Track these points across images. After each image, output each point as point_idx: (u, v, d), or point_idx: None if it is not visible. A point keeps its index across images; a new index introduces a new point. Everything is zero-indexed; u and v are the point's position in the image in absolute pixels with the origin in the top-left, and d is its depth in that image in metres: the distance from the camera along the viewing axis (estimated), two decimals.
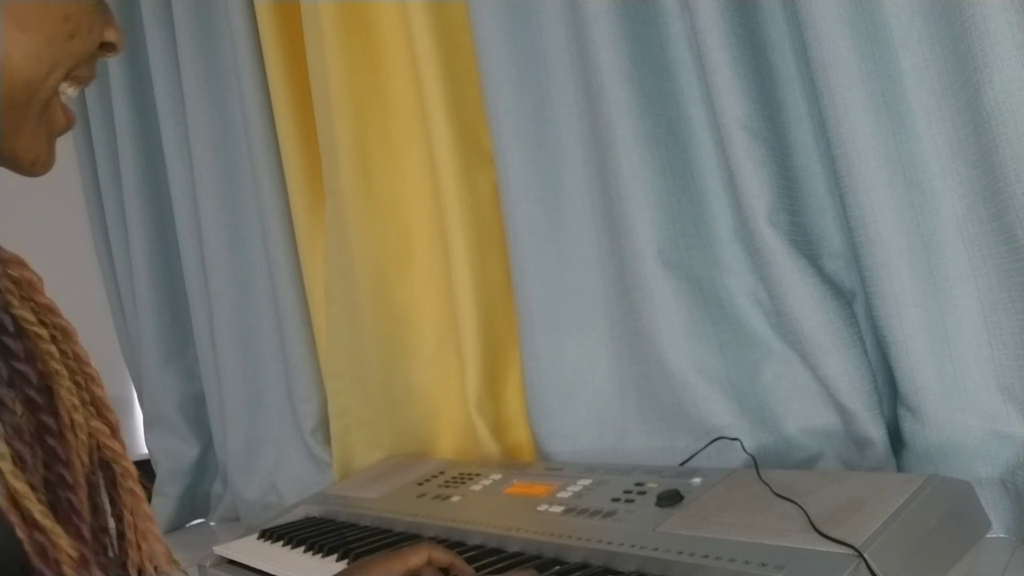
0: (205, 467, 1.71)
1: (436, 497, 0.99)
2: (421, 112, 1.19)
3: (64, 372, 0.43)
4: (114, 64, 1.71)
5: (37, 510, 0.38)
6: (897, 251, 0.76)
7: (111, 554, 0.44)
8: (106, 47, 0.50)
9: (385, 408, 1.31)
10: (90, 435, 0.44)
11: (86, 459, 0.43)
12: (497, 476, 0.99)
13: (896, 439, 0.80)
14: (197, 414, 1.72)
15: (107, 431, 0.45)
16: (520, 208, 1.08)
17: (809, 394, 0.87)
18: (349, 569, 0.64)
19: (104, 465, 0.45)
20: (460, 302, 1.16)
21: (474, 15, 1.09)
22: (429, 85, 1.15)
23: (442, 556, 0.64)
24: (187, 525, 1.67)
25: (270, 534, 1.06)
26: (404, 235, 1.30)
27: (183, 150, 1.59)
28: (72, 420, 0.42)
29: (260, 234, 1.49)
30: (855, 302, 0.87)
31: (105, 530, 0.44)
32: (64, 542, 0.39)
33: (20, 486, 0.38)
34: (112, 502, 0.46)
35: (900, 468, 0.79)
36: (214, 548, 1.05)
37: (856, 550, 0.54)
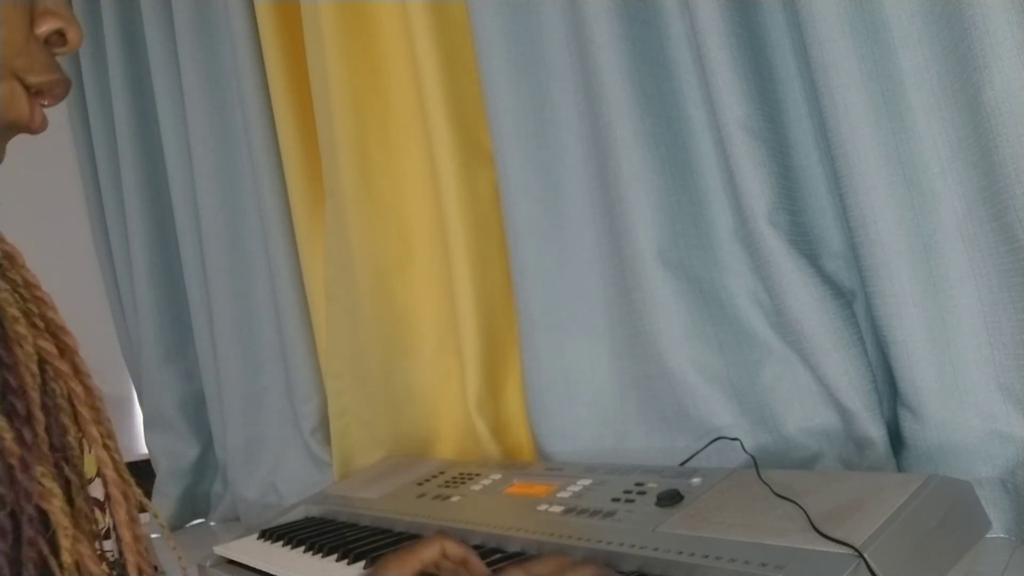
0: (205, 467, 1.71)
1: (436, 497, 0.99)
2: (421, 112, 1.19)
3: (2, 284, 0.42)
4: (114, 64, 1.71)
5: None
6: (897, 251, 0.76)
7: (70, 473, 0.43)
8: (54, 40, 0.46)
9: (385, 408, 1.31)
10: (38, 353, 0.42)
11: (35, 371, 0.42)
12: (497, 476, 0.99)
13: (896, 439, 0.80)
14: (197, 414, 1.72)
15: (54, 351, 0.43)
16: (520, 208, 1.08)
17: (809, 394, 0.87)
18: (369, 571, 0.62)
19: (59, 389, 0.44)
20: (460, 302, 1.16)
21: (474, 15, 1.09)
22: (429, 85, 1.15)
23: (455, 550, 0.61)
24: (187, 525, 1.67)
25: (270, 534, 1.06)
26: (404, 235, 1.30)
27: (183, 150, 1.59)
28: (16, 332, 0.41)
29: (260, 234, 1.49)
30: (855, 302, 0.87)
31: (62, 449, 0.43)
32: (7, 436, 0.38)
33: None
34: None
35: (900, 468, 0.79)
36: (214, 548, 1.05)
37: (856, 550, 0.54)
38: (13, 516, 0.38)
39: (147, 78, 1.67)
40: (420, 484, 1.07)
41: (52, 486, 0.40)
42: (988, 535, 0.66)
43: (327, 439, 1.37)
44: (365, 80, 1.28)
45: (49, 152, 1.90)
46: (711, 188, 0.96)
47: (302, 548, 0.95)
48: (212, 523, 1.66)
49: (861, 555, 0.53)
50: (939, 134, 0.74)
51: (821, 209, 0.90)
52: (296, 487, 1.41)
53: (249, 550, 1.02)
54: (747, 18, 0.88)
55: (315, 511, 1.16)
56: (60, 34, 0.47)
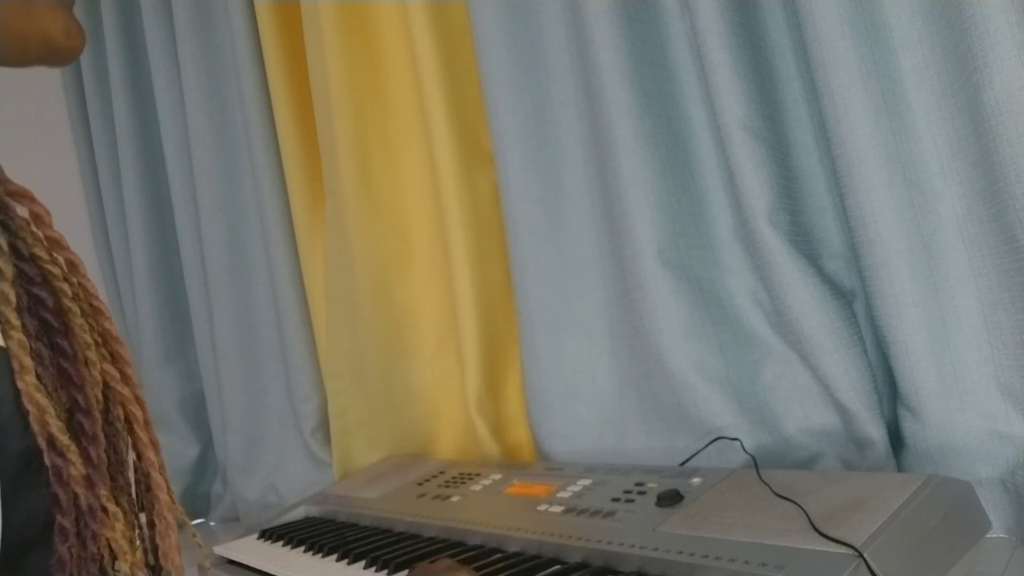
0: (205, 467, 1.71)
1: (436, 497, 0.99)
2: (421, 112, 1.19)
3: (76, 309, 0.42)
4: (114, 64, 1.71)
5: (55, 425, 0.38)
6: (897, 251, 0.76)
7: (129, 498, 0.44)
8: None
9: (385, 408, 1.31)
10: (103, 378, 0.43)
11: (100, 396, 0.42)
12: (497, 476, 0.99)
13: (896, 439, 0.80)
14: (197, 414, 1.72)
15: (117, 376, 0.44)
16: (520, 208, 1.08)
17: (809, 394, 0.87)
18: None
19: (119, 414, 0.44)
20: (460, 302, 1.16)
21: (474, 15, 1.09)
22: (429, 85, 1.15)
23: None
24: None
25: (270, 534, 1.06)
26: (404, 235, 1.30)
27: (183, 150, 1.59)
28: (86, 357, 0.42)
29: (260, 234, 1.49)
30: (855, 302, 0.87)
31: (122, 471, 0.44)
32: (75, 458, 0.38)
33: (42, 400, 0.38)
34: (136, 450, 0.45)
35: (900, 468, 0.79)
36: (214, 548, 1.05)
37: (856, 550, 0.54)
38: (71, 550, 0.38)
39: (147, 78, 1.67)
40: (420, 484, 1.07)
41: (115, 510, 0.40)
42: (988, 535, 0.66)
43: (327, 439, 1.37)
44: (365, 80, 1.28)
45: (49, 152, 1.90)
46: (711, 188, 0.96)
47: (302, 548, 0.95)
48: (212, 523, 1.66)
49: (861, 555, 0.53)
50: (939, 134, 0.74)
51: (821, 209, 0.90)
52: (296, 487, 1.41)
53: (249, 550, 1.02)
54: (747, 18, 0.88)
55: (315, 511, 1.16)
56: None
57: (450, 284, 1.18)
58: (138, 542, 0.44)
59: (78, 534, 0.38)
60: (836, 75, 0.76)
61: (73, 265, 0.44)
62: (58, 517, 0.38)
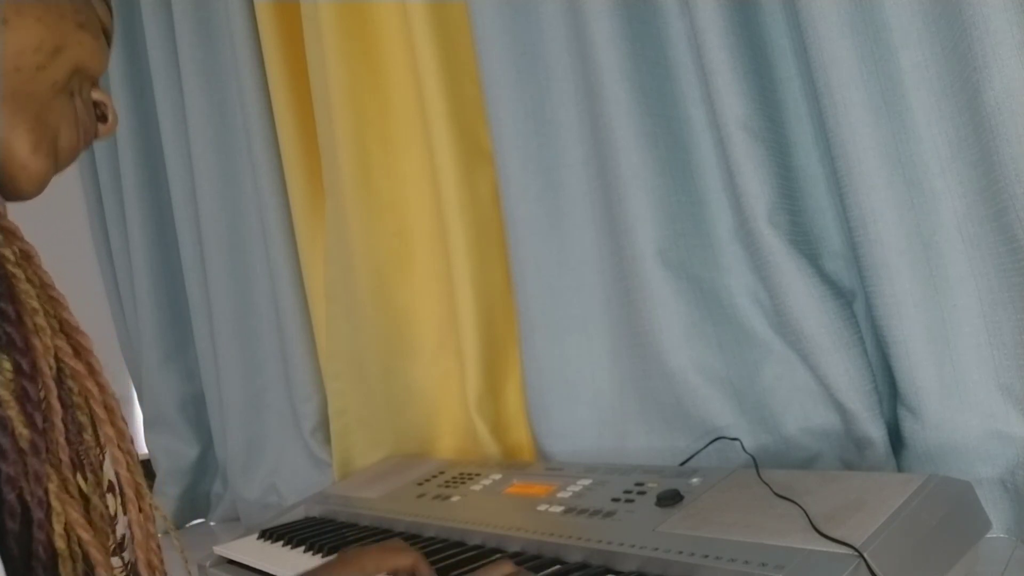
0: (205, 467, 1.71)
1: (436, 497, 0.99)
2: (421, 112, 1.19)
3: (20, 275, 0.41)
4: (114, 64, 1.71)
5: None
6: (897, 251, 0.76)
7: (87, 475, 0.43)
8: (99, 113, 0.50)
9: (385, 408, 1.31)
10: (55, 351, 0.42)
11: (52, 364, 0.41)
12: (497, 476, 0.99)
13: (896, 439, 0.80)
14: (197, 414, 1.72)
15: (69, 350, 0.43)
16: (520, 208, 1.08)
17: (809, 394, 0.87)
18: (341, 558, 0.64)
19: (74, 387, 0.43)
20: (460, 302, 1.16)
21: (474, 15, 1.09)
22: (429, 85, 1.15)
23: (426, 572, 0.64)
24: (187, 525, 1.67)
25: (270, 534, 1.06)
26: (404, 235, 1.30)
27: (183, 150, 1.59)
28: (34, 324, 0.41)
29: (260, 234, 1.49)
30: (855, 302, 0.87)
31: (79, 445, 0.43)
32: (16, 417, 0.38)
33: None
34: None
35: (900, 468, 0.79)
36: (214, 548, 1.05)
37: (856, 550, 0.53)
38: (22, 498, 0.38)
39: (147, 78, 1.68)
40: (420, 484, 1.07)
41: (50, 471, 0.40)
42: (988, 535, 0.66)
43: (327, 439, 1.37)
44: (365, 80, 1.28)
45: None
46: (711, 188, 0.96)
47: (302, 548, 0.95)
48: (212, 523, 1.66)
49: (861, 555, 0.53)
50: (939, 134, 0.74)
51: (821, 209, 0.90)
52: (296, 487, 1.41)
53: (249, 550, 1.02)
54: (747, 18, 0.88)
55: (315, 511, 1.16)
56: (103, 110, 0.50)
57: (450, 284, 1.18)
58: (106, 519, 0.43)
59: (28, 490, 0.38)
60: (836, 75, 0.76)
61: (26, 255, 0.43)
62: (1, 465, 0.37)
